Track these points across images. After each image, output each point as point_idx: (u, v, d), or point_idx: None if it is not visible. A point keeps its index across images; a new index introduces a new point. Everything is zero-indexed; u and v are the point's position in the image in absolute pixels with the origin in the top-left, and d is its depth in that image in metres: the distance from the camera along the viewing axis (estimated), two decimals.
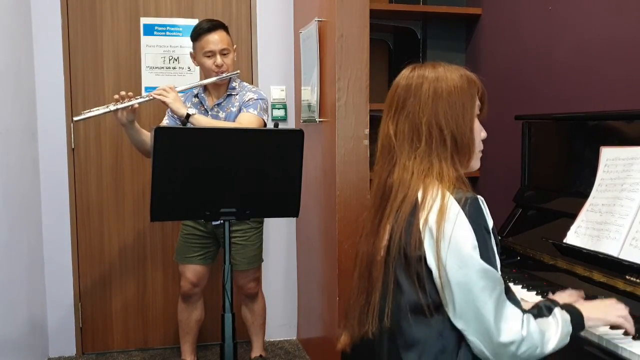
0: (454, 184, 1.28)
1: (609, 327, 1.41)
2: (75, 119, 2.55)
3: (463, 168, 1.33)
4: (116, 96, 2.51)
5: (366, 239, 1.38)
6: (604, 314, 1.38)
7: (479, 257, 1.21)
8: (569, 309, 1.35)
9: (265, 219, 2.98)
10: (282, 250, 3.52)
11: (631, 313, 1.40)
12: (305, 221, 3.22)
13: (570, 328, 1.30)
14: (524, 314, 1.26)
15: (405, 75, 1.37)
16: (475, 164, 1.39)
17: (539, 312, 1.31)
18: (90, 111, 2.51)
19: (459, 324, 1.23)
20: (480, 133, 1.37)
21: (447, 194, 1.25)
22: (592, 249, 1.67)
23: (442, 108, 1.30)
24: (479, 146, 1.37)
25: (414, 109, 1.32)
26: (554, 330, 1.27)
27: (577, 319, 1.33)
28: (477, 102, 1.36)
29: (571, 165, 2.05)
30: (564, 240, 1.79)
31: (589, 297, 1.63)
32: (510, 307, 1.24)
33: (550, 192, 2.09)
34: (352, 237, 2.65)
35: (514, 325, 1.22)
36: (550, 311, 1.32)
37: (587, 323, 1.35)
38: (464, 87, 1.32)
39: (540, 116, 2.25)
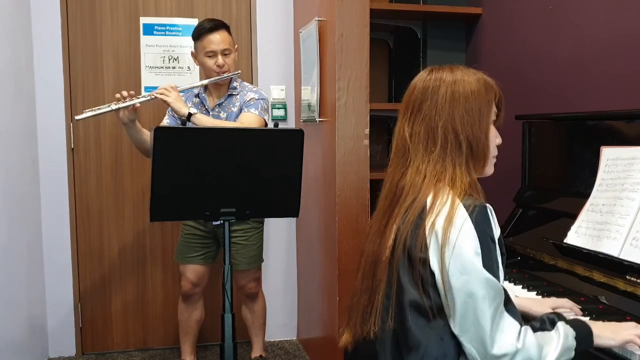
0: (465, 190, 1.27)
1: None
2: (76, 117, 2.55)
3: (477, 174, 1.33)
4: (117, 95, 2.51)
5: (372, 239, 1.37)
6: (613, 333, 1.33)
7: (482, 265, 1.20)
8: (576, 324, 1.32)
9: (266, 219, 2.98)
10: (282, 250, 3.51)
11: (632, 313, 1.40)
12: (305, 221, 3.22)
13: (573, 343, 1.27)
14: (521, 326, 1.24)
15: (423, 77, 1.36)
16: (489, 169, 1.38)
17: (541, 325, 1.30)
18: (91, 110, 2.51)
19: (457, 330, 1.23)
20: (495, 139, 1.36)
21: (457, 200, 1.24)
22: (592, 249, 1.67)
23: (459, 113, 1.29)
24: (493, 152, 1.36)
25: (430, 113, 1.31)
26: (554, 345, 1.25)
27: (583, 334, 1.30)
28: (494, 109, 1.35)
29: (571, 165, 2.04)
30: (565, 240, 1.79)
31: (589, 297, 1.63)
32: (507, 319, 1.23)
33: (550, 192, 2.09)
34: (352, 237, 2.65)
35: (509, 338, 1.21)
36: (553, 325, 1.29)
37: (595, 340, 1.31)
38: (481, 92, 1.32)
39: (541, 116, 2.25)
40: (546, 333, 1.27)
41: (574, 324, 1.32)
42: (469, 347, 1.22)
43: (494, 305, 1.20)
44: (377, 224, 1.37)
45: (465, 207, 1.23)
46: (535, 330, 1.27)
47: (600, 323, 1.39)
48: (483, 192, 1.30)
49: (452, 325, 1.23)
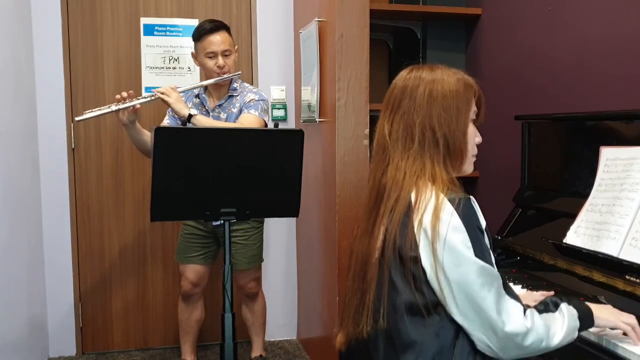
0: (447, 185, 1.29)
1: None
2: (77, 119, 2.55)
3: (455, 171, 1.35)
4: (118, 96, 2.51)
5: (360, 239, 1.39)
6: (613, 317, 1.38)
7: (474, 255, 1.22)
8: (578, 305, 1.35)
9: (266, 219, 2.98)
10: (282, 250, 3.52)
11: (631, 313, 1.40)
12: (305, 221, 3.22)
13: (577, 323, 1.31)
14: (525, 307, 1.27)
15: (403, 76, 1.39)
16: (468, 168, 1.40)
17: (545, 307, 1.32)
18: (92, 111, 2.51)
19: (463, 322, 1.24)
20: (474, 137, 1.38)
21: (441, 195, 1.26)
22: (592, 248, 1.68)
23: (437, 111, 1.31)
24: (472, 150, 1.38)
25: (408, 110, 1.33)
26: (560, 325, 1.28)
27: (585, 315, 1.34)
28: (474, 107, 1.37)
29: (571, 165, 2.05)
30: (564, 240, 1.79)
31: (588, 297, 1.64)
32: (510, 301, 1.25)
33: (550, 192, 2.09)
34: (351, 237, 2.65)
35: (516, 317, 1.23)
36: (556, 306, 1.33)
37: (596, 321, 1.36)
38: (459, 90, 1.33)
39: (540, 116, 2.26)
40: (550, 314, 1.30)
41: (576, 305, 1.35)
42: (477, 334, 1.24)
43: (494, 290, 1.23)
44: (364, 224, 1.39)
45: (450, 201, 1.25)
46: (540, 312, 1.30)
47: (598, 305, 1.42)
48: (462, 189, 1.32)
49: (456, 318, 1.24)
